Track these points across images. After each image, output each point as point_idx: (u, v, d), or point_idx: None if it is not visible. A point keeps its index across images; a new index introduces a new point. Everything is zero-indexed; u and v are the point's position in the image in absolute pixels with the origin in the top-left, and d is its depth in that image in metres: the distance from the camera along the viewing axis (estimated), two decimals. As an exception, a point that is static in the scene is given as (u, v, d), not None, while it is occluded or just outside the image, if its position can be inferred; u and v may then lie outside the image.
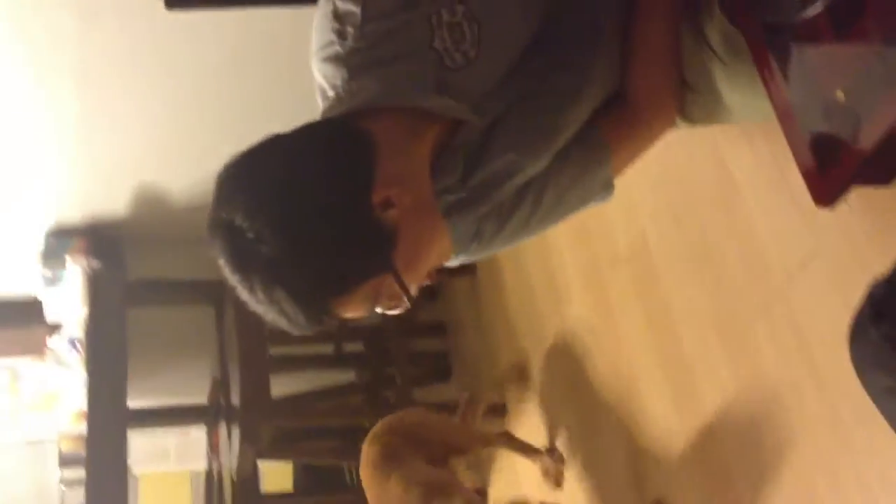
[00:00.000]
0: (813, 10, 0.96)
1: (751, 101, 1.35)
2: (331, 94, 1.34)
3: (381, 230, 1.20)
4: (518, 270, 2.95)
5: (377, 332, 3.47)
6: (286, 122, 3.21)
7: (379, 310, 1.27)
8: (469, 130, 1.33)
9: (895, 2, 0.92)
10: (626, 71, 1.40)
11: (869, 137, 0.95)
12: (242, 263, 1.18)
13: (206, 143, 3.01)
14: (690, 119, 1.46)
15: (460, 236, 1.38)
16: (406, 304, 1.25)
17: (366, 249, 1.19)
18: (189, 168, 3.07)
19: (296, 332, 1.23)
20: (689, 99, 1.41)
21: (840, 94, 0.99)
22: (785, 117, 1.07)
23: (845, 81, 0.98)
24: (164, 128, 2.94)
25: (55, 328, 3.16)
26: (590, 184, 1.41)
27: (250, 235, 1.16)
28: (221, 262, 1.21)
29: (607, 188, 1.42)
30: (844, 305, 1.49)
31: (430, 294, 3.50)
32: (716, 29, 1.32)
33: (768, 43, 1.10)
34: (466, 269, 3.20)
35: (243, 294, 1.21)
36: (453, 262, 1.44)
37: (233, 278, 1.20)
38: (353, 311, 1.24)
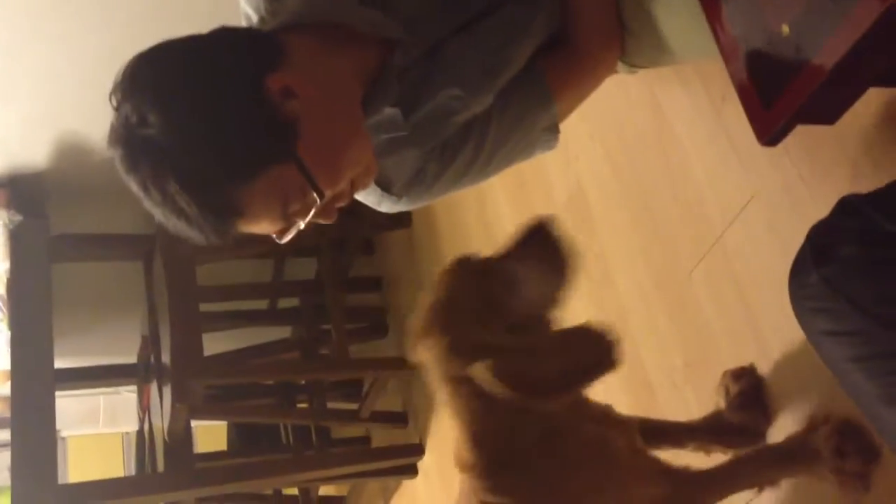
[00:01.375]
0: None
1: (691, 39, 1.32)
2: (255, 18, 1.29)
3: (276, 115, 1.14)
4: (454, 222, 2.92)
5: (312, 286, 3.41)
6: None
7: (301, 224, 1.19)
8: (404, 53, 1.28)
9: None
10: (568, 10, 1.37)
11: (815, 74, 0.93)
12: (131, 154, 1.13)
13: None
14: (631, 63, 1.44)
15: (403, 175, 1.35)
16: (319, 207, 1.17)
17: (258, 131, 1.14)
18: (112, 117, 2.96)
19: (202, 238, 1.16)
20: (629, 43, 1.39)
21: (785, 29, 0.96)
22: (729, 54, 1.05)
23: (790, 15, 0.95)
24: (86, 75, 2.81)
25: (-25, 285, 3.05)
26: (531, 126, 1.38)
27: (134, 120, 1.11)
28: (118, 167, 1.15)
29: (552, 132, 1.39)
30: (781, 251, 1.49)
31: (365, 248, 3.46)
32: None
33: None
34: (401, 222, 3.15)
35: (141, 197, 1.15)
36: (394, 207, 1.40)
37: (128, 180, 1.15)
38: (260, 213, 1.16)
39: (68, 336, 3.29)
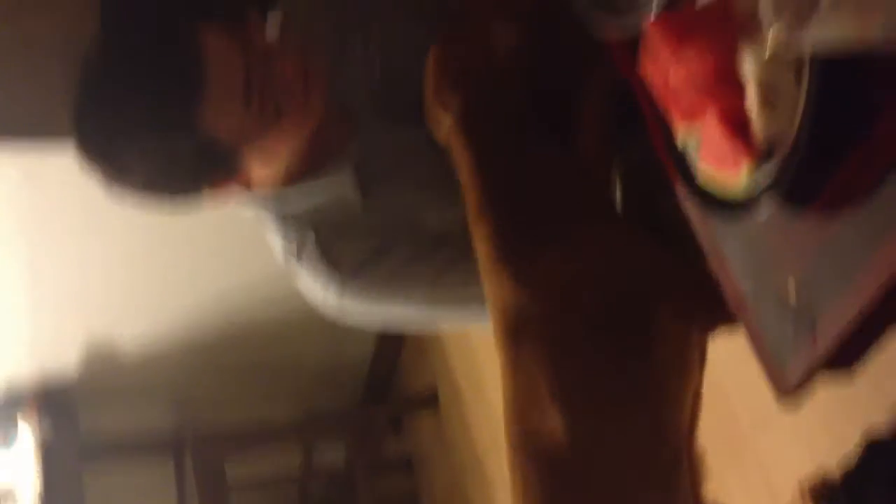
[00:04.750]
0: (763, 213, 0.94)
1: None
2: None
3: None
4: (482, 401, 2.90)
5: (342, 470, 3.38)
6: (231, 271, 3.15)
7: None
8: (367, 130, 1.31)
9: (845, 192, 0.91)
10: None
11: (826, 334, 0.93)
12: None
13: (154, 294, 2.97)
14: None
15: (355, 257, 1.30)
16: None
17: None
18: (139, 320, 3.03)
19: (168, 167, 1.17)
20: None
21: (791, 289, 0.97)
22: (738, 307, 1.05)
23: (795, 275, 0.96)
24: (112, 281, 2.90)
25: (7, 495, 3.03)
26: None
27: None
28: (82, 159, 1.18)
29: None
30: (810, 456, 1.48)
31: (394, 427, 3.43)
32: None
33: (715, 226, 1.08)
34: (429, 403, 3.14)
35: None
36: (338, 301, 1.32)
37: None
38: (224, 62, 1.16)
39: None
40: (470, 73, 1.09)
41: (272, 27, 1.37)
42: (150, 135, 1.15)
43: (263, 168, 1.26)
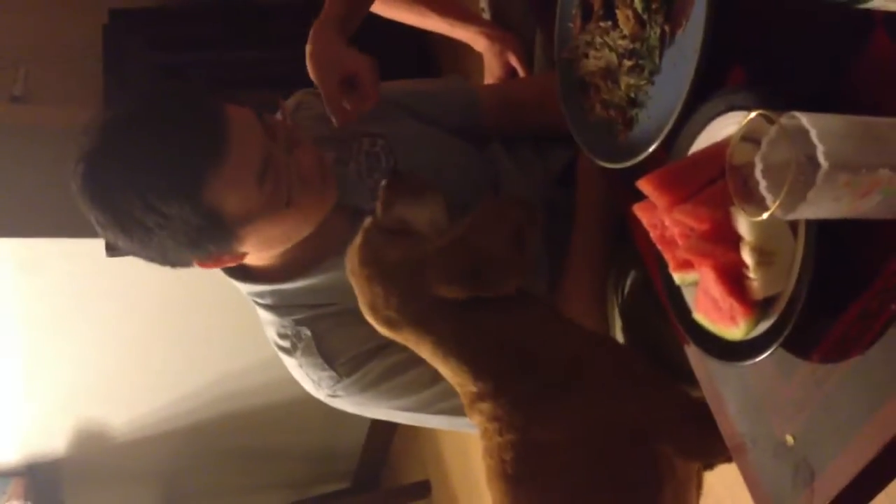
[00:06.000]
0: (763, 355, 0.93)
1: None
2: None
3: None
4: (473, 493, 2.86)
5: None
6: (224, 356, 3.13)
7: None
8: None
9: (843, 346, 0.90)
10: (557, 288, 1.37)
11: (823, 491, 0.91)
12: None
13: (147, 379, 2.95)
14: None
15: (352, 350, 1.29)
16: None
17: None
18: (129, 403, 3.01)
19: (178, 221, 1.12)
20: None
21: (789, 439, 0.95)
22: (735, 448, 1.04)
23: (794, 427, 0.95)
24: (104, 364, 2.88)
25: (-10, 579, 2.97)
26: None
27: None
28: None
29: None
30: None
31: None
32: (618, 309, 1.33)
33: (712, 366, 1.07)
34: (420, 493, 3.10)
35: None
36: (331, 396, 1.32)
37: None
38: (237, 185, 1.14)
39: None
40: (408, 266, 1.07)
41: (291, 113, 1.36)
42: (159, 190, 1.12)
43: (258, 253, 1.25)
